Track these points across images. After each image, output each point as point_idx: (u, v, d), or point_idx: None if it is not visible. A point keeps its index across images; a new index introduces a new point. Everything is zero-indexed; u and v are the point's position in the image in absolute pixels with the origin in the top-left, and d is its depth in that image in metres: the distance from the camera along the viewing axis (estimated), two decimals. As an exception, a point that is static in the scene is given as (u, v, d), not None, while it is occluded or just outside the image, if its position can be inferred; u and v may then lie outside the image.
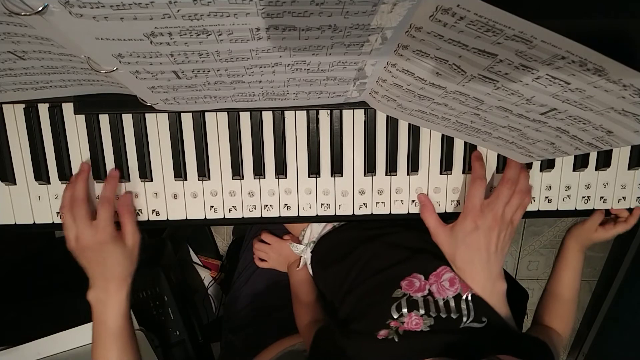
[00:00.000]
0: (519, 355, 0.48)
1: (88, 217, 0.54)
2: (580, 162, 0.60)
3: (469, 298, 0.54)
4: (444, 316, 0.53)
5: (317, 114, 0.57)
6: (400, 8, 0.32)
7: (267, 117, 0.57)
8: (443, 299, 0.54)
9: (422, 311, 0.53)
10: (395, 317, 0.53)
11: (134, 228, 0.57)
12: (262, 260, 0.88)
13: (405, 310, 0.53)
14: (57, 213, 0.59)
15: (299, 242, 0.80)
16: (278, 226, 0.89)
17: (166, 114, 0.57)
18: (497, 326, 0.53)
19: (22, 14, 0.31)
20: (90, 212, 0.55)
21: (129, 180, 0.58)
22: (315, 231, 0.77)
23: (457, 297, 0.54)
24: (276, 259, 0.86)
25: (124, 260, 0.56)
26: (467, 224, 0.54)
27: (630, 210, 0.64)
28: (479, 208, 0.54)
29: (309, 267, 0.77)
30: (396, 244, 0.63)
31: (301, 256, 0.78)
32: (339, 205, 0.60)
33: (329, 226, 0.76)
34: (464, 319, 0.53)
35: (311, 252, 0.76)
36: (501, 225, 0.54)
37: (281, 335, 0.73)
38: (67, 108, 0.56)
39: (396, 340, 0.51)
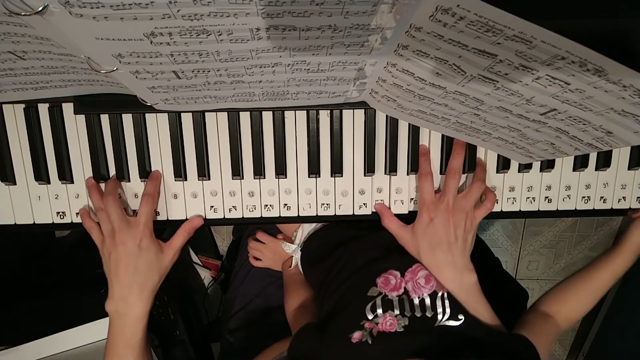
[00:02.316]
0: (495, 357, 0.47)
1: (122, 210, 0.54)
2: (580, 162, 0.60)
3: (445, 295, 0.54)
4: (418, 315, 0.53)
5: (317, 114, 0.57)
6: (400, 8, 0.32)
7: (267, 117, 0.57)
8: (419, 297, 0.54)
9: (396, 311, 0.53)
10: (369, 318, 0.53)
11: (179, 247, 0.57)
12: (257, 259, 0.88)
13: (379, 311, 0.53)
14: (58, 213, 0.59)
15: (292, 242, 0.80)
16: (273, 226, 0.89)
17: (166, 114, 0.57)
18: (474, 324, 0.53)
19: (22, 14, 0.31)
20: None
21: (129, 181, 0.58)
22: (306, 231, 0.78)
23: (433, 295, 0.54)
24: (271, 258, 0.86)
25: (155, 268, 0.55)
26: (422, 219, 0.55)
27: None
28: (430, 202, 0.55)
29: (300, 267, 0.77)
30: (375, 243, 0.63)
31: (293, 256, 0.79)
32: (339, 205, 0.60)
33: (320, 225, 0.77)
34: (439, 317, 0.53)
35: (301, 250, 0.76)
36: (456, 216, 0.54)
37: (278, 337, 0.73)
38: (67, 108, 0.56)
39: (370, 342, 0.51)
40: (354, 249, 0.64)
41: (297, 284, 0.76)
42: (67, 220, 0.59)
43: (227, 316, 0.91)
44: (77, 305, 0.86)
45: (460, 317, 0.53)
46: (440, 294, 0.54)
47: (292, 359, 0.56)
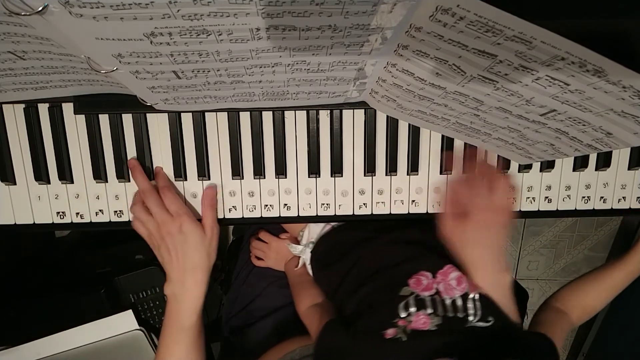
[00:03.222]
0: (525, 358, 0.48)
1: (163, 203, 0.55)
2: (580, 162, 0.60)
3: (476, 297, 0.54)
4: (450, 315, 0.53)
5: (317, 114, 0.58)
6: (400, 8, 0.32)
7: (267, 117, 0.57)
8: (450, 298, 0.54)
9: (429, 310, 0.53)
10: (403, 315, 0.53)
11: (214, 221, 0.58)
12: (259, 259, 0.87)
13: (413, 309, 0.53)
14: (58, 213, 0.59)
15: (297, 242, 0.80)
16: (276, 225, 0.89)
17: (166, 114, 0.57)
18: (503, 326, 0.53)
19: (22, 14, 0.31)
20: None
21: (129, 181, 0.58)
22: (313, 231, 0.77)
23: (464, 296, 0.54)
24: (274, 258, 0.86)
25: (202, 249, 0.56)
26: (475, 219, 0.54)
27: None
28: (481, 203, 0.55)
29: (309, 267, 0.77)
30: (399, 241, 0.63)
31: (299, 256, 0.78)
32: (339, 205, 0.60)
33: (328, 226, 0.76)
34: (470, 318, 0.53)
35: (311, 252, 0.76)
36: (499, 215, 0.55)
37: (279, 337, 0.72)
38: (67, 108, 0.56)
39: (404, 339, 0.51)
40: (375, 250, 0.64)
41: (308, 283, 0.76)
42: (67, 220, 0.59)
43: (228, 316, 0.91)
44: (77, 305, 0.86)
45: (490, 319, 0.53)
46: (471, 295, 0.54)
47: (320, 354, 0.56)
